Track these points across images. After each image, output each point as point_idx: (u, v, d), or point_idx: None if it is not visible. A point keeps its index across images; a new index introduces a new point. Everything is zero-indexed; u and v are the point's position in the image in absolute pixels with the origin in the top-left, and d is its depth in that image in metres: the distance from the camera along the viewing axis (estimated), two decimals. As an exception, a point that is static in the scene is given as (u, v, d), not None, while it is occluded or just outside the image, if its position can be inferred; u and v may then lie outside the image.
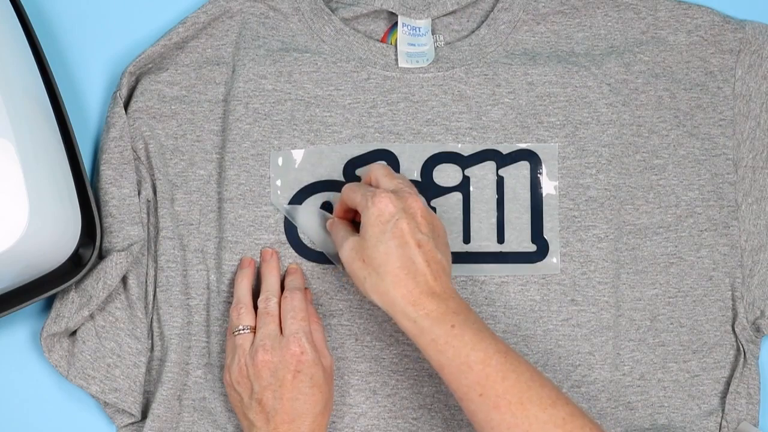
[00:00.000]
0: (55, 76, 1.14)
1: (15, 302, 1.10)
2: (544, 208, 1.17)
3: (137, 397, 1.13)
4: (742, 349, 1.16)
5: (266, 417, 1.08)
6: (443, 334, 1.02)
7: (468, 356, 1.01)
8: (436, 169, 1.17)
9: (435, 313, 1.03)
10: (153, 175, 1.17)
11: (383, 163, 1.16)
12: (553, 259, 1.16)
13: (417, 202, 1.06)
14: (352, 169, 1.17)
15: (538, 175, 1.17)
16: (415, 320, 1.03)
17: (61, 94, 1.14)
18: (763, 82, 1.18)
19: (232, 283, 1.15)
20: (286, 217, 1.16)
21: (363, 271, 1.05)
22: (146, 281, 1.16)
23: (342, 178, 1.17)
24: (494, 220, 1.17)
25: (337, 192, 1.16)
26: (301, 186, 1.17)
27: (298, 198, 1.16)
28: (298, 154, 1.16)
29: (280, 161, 1.16)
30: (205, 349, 1.16)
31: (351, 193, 1.09)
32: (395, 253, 1.04)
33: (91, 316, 1.13)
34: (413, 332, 1.03)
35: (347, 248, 1.07)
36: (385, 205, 1.05)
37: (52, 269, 1.10)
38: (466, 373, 1.01)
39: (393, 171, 1.11)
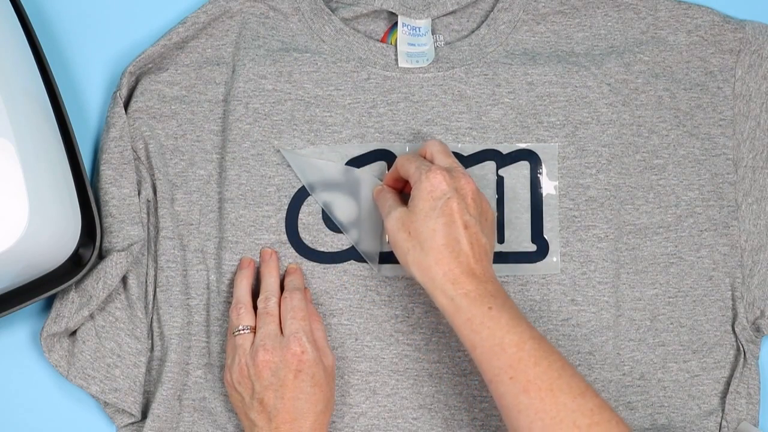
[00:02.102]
0: (55, 76, 1.14)
1: (15, 302, 1.10)
2: (544, 208, 1.17)
3: (137, 397, 1.13)
4: (742, 349, 1.16)
5: (268, 416, 1.08)
6: (479, 314, 1.03)
7: (502, 339, 1.02)
8: (436, 169, 1.17)
9: (473, 294, 1.03)
10: (153, 175, 1.17)
11: (440, 139, 1.16)
12: (553, 258, 1.16)
13: (470, 183, 1.07)
14: (352, 169, 1.17)
15: (538, 175, 1.17)
16: (452, 298, 1.03)
17: (61, 94, 1.14)
18: (763, 82, 1.18)
19: (232, 283, 1.15)
20: (286, 217, 1.16)
21: (407, 243, 1.06)
22: (146, 281, 1.16)
23: (342, 178, 1.17)
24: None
25: (336, 192, 1.16)
26: (301, 185, 1.17)
27: (299, 197, 1.16)
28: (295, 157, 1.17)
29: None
30: (205, 349, 1.16)
31: (406, 163, 1.10)
32: (442, 230, 1.04)
33: (91, 316, 1.13)
34: (449, 310, 1.04)
35: (394, 218, 1.08)
36: (438, 181, 1.06)
37: (52, 269, 1.10)
38: (499, 355, 1.02)
39: (449, 149, 1.11)
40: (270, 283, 1.14)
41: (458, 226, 1.05)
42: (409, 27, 1.17)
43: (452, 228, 1.05)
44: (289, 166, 1.17)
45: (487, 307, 1.03)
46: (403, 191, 1.14)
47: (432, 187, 1.06)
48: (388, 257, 1.15)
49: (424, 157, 1.11)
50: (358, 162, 1.17)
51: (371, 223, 1.16)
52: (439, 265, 1.04)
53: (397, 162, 1.11)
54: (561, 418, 1.00)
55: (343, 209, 1.16)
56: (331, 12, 1.18)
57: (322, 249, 1.16)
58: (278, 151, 1.16)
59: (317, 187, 1.16)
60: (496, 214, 1.12)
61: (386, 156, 1.17)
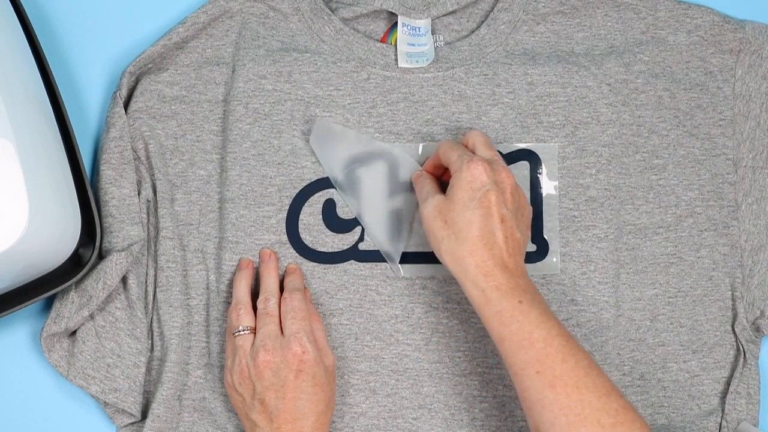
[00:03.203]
0: (55, 76, 1.14)
1: (15, 302, 1.10)
2: (544, 208, 1.17)
3: (137, 397, 1.13)
4: (742, 349, 1.16)
5: (269, 417, 1.08)
6: (510, 307, 1.03)
7: (531, 333, 1.02)
8: (436, 169, 1.17)
9: (505, 287, 1.03)
10: (153, 175, 1.17)
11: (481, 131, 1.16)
12: (553, 258, 1.16)
13: (509, 177, 1.07)
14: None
15: (538, 175, 1.17)
16: (483, 290, 1.04)
17: (61, 94, 1.14)
18: (763, 82, 1.18)
19: (231, 284, 1.15)
20: (287, 217, 1.16)
21: (442, 231, 1.06)
22: (146, 281, 1.16)
23: (342, 178, 1.17)
24: (494, 220, 1.17)
25: (358, 189, 1.16)
26: (303, 185, 1.17)
27: (300, 197, 1.16)
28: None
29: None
30: (205, 349, 1.16)
31: (448, 151, 1.10)
32: (478, 222, 1.05)
33: (91, 316, 1.13)
34: (479, 301, 1.04)
35: (431, 205, 1.08)
36: (479, 172, 1.06)
37: (52, 269, 1.10)
38: (527, 349, 1.02)
39: (490, 141, 1.11)
40: (269, 283, 1.14)
41: (495, 218, 1.05)
42: (408, 27, 1.17)
43: (489, 220, 1.05)
44: (290, 165, 1.17)
45: (517, 301, 1.03)
46: (441, 178, 1.14)
47: (472, 177, 1.06)
48: (407, 257, 1.15)
49: (466, 146, 1.11)
50: (358, 163, 1.17)
51: (394, 221, 1.16)
52: (472, 256, 1.04)
53: (439, 149, 1.11)
54: (585, 416, 1.00)
55: (364, 207, 1.16)
56: (331, 12, 1.18)
57: (322, 249, 1.16)
58: (309, 139, 1.16)
59: (340, 180, 1.16)
60: (532, 211, 1.12)
61: (386, 156, 1.17)
